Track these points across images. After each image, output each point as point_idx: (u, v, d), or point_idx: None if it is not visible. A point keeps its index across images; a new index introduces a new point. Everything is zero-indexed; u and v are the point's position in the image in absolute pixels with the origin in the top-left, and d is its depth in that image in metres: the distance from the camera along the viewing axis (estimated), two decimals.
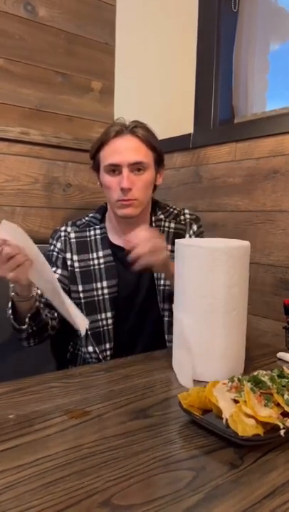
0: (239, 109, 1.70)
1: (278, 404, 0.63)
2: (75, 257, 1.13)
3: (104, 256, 1.13)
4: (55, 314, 1.10)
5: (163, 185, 1.28)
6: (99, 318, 1.11)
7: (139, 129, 1.10)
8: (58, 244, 1.16)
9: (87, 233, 1.17)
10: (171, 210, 1.24)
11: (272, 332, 1.22)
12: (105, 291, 1.11)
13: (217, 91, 1.69)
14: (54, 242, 1.18)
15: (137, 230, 0.98)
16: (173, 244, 1.15)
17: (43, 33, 1.66)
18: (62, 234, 1.17)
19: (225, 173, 1.55)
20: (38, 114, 1.68)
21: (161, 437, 0.62)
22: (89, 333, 1.11)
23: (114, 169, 1.09)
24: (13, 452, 0.57)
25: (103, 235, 1.17)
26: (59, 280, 1.10)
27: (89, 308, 1.11)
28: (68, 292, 1.13)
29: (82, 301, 1.11)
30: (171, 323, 1.13)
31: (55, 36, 1.70)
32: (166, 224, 1.19)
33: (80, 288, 1.12)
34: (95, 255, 1.14)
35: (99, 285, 1.11)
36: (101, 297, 1.11)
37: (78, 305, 1.12)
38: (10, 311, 1.02)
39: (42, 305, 1.07)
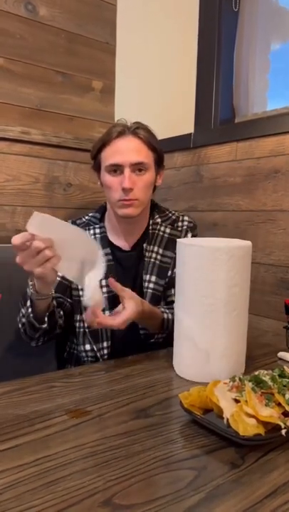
0: (240, 108, 1.70)
1: (279, 404, 0.63)
2: None
3: (103, 255, 1.13)
4: (61, 312, 1.10)
5: (163, 185, 1.28)
6: None
7: (140, 130, 1.11)
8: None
9: (87, 232, 1.17)
10: (170, 214, 1.24)
11: (273, 332, 1.22)
12: (104, 289, 1.11)
13: (218, 90, 1.69)
14: None
15: (129, 304, 0.95)
16: (165, 248, 1.17)
17: (43, 33, 1.66)
18: None
19: (226, 172, 1.55)
20: (39, 113, 1.68)
21: (162, 437, 0.62)
22: (87, 331, 1.11)
23: (116, 169, 1.09)
24: (13, 452, 0.57)
25: (102, 234, 1.18)
26: (62, 278, 1.11)
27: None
28: (70, 291, 1.13)
29: (82, 298, 1.11)
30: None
31: (56, 36, 1.70)
32: (162, 228, 1.20)
33: (80, 286, 1.12)
34: None
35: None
36: None
37: (77, 302, 1.12)
38: (30, 310, 1.01)
39: (56, 303, 1.07)
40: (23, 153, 1.62)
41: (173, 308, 0.98)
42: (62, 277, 1.11)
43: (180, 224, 1.22)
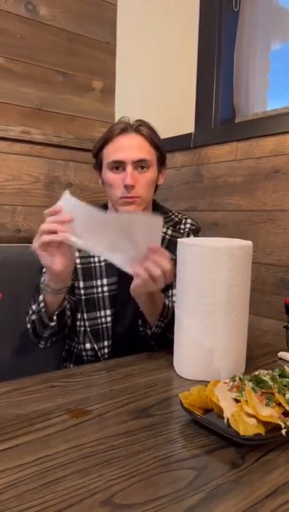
0: (240, 108, 1.70)
1: (279, 404, 0.63)
2: (77, 253, 1.13)
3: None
4: (69, 313, 1.10)
5: (164, 185, 1.27)
6: (98, 315, 1.11)
7: (143, 127, 1.11)
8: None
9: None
10: (173, 216, 1.23)
11: (273, 331, 1.22)
12: (105, 288, 1.11)
13: (218, 90, 1.69)
14: None
15: (163, 254, 0.92)
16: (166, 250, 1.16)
17: (43, 32, 1.66)
18: None
19: (226, 172, 1.55)
20: (39, 113, 1.68)
21: (163, 437, 0.62)
22: (88, 330, 1.11)
23: (118, 166, 1.09)
24: (13, 451, 0.57)
25: None
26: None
27: (89, 305, 1.11)
28: (72, 288, 1.13)
29: (83, 297, 1.11)
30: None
31: (56, 35, 1.70)
32: (164, 230, 1.19)
33: (82, 284, 1.12)
34: None
35: (99, 282, 1.12)
36: (100, 294, 1.11)
37: (79, 301, 1.12)
38: (42, 304, 1.00)
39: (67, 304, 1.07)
40: (23, 152, 1.62)
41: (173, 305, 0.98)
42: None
43: (182, 226, 1.21)
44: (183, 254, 0.85)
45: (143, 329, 1.07)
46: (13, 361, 1.29)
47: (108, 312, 1.11)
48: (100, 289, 1.12)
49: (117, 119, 1.86)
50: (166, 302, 1.06)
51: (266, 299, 1.41)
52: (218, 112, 1.69)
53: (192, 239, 1.13)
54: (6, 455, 0.56)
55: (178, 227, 1.20)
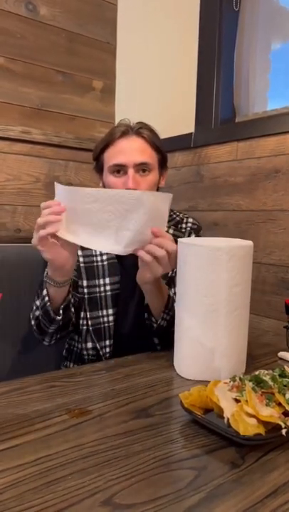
0: (240, 108, 1.70)
1: (280, 404, 0.63)
2: (80, 253, 1.13)
3: (107, 253, 1.13)
4: (73, 309, 1.10)
5: (164, 185, 1.27)
6: (100, 314, 1.11)
7: (144, 130, 1.10)
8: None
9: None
10: (174, 216, 1.23)
11: (273, 331, 1.22)
12: (108, 287, 1.11)
13: (218, 90, 1.69)
14: None
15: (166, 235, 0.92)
16: None
17: (44, 32, 1.66)
18: None
19: (226, 172, 1.55)
20: (39, 113, 1.68)
21: (163, 436, 0.62)
22: (90, 329, 1.11)
23: (120, 169, 1.08)
24: (14, 451, 0.57)
25: None
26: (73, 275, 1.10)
27: (91, 304, 1.11)
28: (76, 286, 1.12)
29: (86, 296, 1.11)
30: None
31: (57, 35, 1.70)
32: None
33: (85, 283, 1.12)
34: (98, 252, 1.14)
35: (101, 281, 1.12)
36: (103, 294, 1.11)
37: (82, 300, 1.12)
38: (46, 298, 0.98)
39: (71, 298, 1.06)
40: (23, 152, 1.62)
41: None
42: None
43: (184, 226, 1.21)
44: (183, 254, 0.85)
45: (149, 322, 1.06)
46: (13, 361, 1.29)
47: (110, 311, 1.11)
48: (102, 288, 1.12)
49: (117, 118, 1.86)
50: (171, 294, 1.06)
51: (266, 298, 1.41)
52: (219, 111, 1.69)
53: (192, 239, 1.13)
54: (6, 455, 0.56)
55: (179, 226, 1.20)
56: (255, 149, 1.45)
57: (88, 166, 1.77)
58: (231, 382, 0.68)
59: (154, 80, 1.84)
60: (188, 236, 1.20)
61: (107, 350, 1.11)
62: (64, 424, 0.65)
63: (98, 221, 0.86)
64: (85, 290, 1.12)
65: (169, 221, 1.20)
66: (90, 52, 1.80)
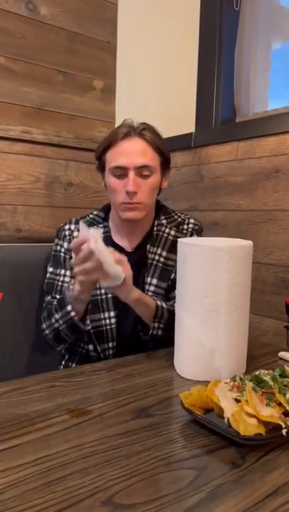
0: (241, 108, 1.70)
1: (280, 404, 0.63)
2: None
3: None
4: None
5: (167, 186, 1.26)
6: (102, 317, 1.10)
7: (146, 132, 1.09)
8: (65, 245, 1.16)
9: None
10: (176, 217, 1.22)
11: (273, 331, 1.22)
12: (104, 290, 1.11)
13: (219, 90, 1.69)
14: (61, 241, 1.17)
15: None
16: (169, 251, 1.15)
17: (44, 32, 1.66)
18: (67, 233, 1.17)
19: (226, 172, 1.55)
20: (40, 112, 1.68)
21: (163, 436, 0.62)
22: (92, 331, 1.11)
23: (121, 172, 1.07)
24: (14, 451, 0.57)
25: (106, 234, 1.16)
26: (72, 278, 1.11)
27: (92, 307, 1.10)
28: None
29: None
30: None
31: (57, 35, 1.70)
32: (167, 230, 1.18)
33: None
34: None
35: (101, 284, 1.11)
36: (104, 296, 1.11)
37: None
38: (73, 313, 1.01)
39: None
40: (24, 152, 1.62)
41: (172, 306, 0.98)
42: (70, 281, 1.12)
43: (185, 227, 1.20)
44: (183, 254, 0.85)
45: (143, 334, 1.08)
46: (13, 361, 1.29)
47: (112, 314, 1.11)
48: (103, 291, 1.11)
49: (117, 118, 1.86)
50: (158, 303, 1.06)
51: (266, 298, 1.41)
52: (219, 111, 1.69)
53: (192, 239, 1.13)
54: (6, 455, 0.56)
55: (181, 227, 1.20)
56: (256, 149, 1.45)
57: (88, 166, 1.77)
58: (232, 382, 0.68)
59: (155, 79, 1.84)
60: (190, 237, 1.20)
61: (110, 352, 1.11)
62: (64, 424, 0.65)
63: None
64: None
65: (170, 222, 1.20)
66: (90, 51, 1.80)
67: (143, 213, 1.11)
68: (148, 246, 1.16)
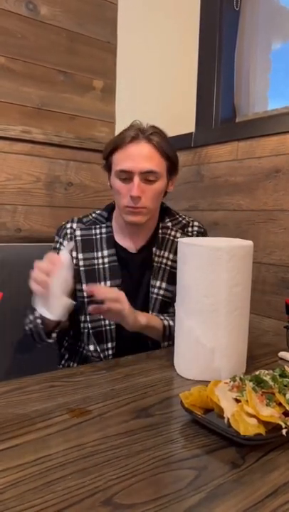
0: (241, 108, 1.70)
1: (280, 404, 0.63)
2: (80, 256, 1.12)
3: (108, 255, 1.12)
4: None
5: (173, 189, 1.25)
6: (102, 317, 1.10)
7: (154, 136, 1.07)
8: (65, 243, 1.15)
9: (93, 231, 1.15)
10: (180, 219, 1.22)
11: (273, 331, 1.22)
12: None
13: (219, 90, 1.69)
14: (60, 239, 1.17)
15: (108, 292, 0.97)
16: (176, 254, 1.14)
17: (44, 32, 1.66)
18: (68, 231, 1.16)
19: (226, 172, 1.55)
20: (40, 112, 1.68)
21: (163, 436, 0.62)
22: (91, 331, 1.11)
23: (126, 175, 1.06)
24: (14, 451, 0.57)
25: (109, 234, 1.16)
26: None
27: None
28: (73, 291, 1.11)
29: (86, 300, 1.10)
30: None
31: (57, 35, 1.70)
32: (172, 233, 1.18)
33: (84, 287, 1.10)
34: (99, 254, 1.13)
35: (102, 284, 1.10)
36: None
37: (82, 304, 1.11)
38: (39, 321, 1.00)
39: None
40: (24, 152, 1.62)
41: None
42: None
43: (190, 229, 1.20)
44: (183, 254, 0.85)
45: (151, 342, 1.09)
46: (13, 361, 1.29)
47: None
48: None
49: (117, 118, 1.86)
50: (166, 323, 1.07)
51: (267, 298, 1.41)
52: (219, 111, 1.69)
53: (193, 238, 1.13)
54: (6, 455, 0.56)
55: (186, 229, 1.20)
56: (256, 149, 1.45)
57: (88, 166, 1.77)
58: (232, 382, 0.68)
59: (155, 79, 1.84)
60: None
61: (110, 352, 1.11)
62: (64, 424, 0.65)
63: None
64: (85, 294, 1.10)
65: (175, 224, 1.19)
66: (90, 51, 1.80)
67: (146, 217, 1.10)
68: (154, 249, 1.15)
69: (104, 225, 1.17)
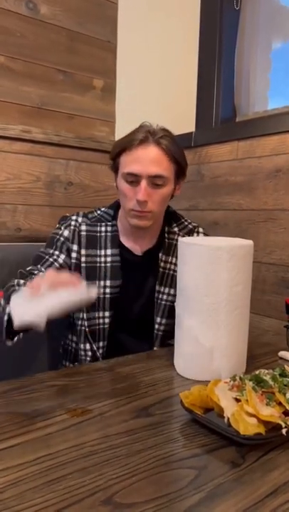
0: (241, 107, 1.70)
1: (280, 403, 0.63)
2: (83, 251, 1.11)
3: (112, 255, 1.11)
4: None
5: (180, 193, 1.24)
6: (97, 316, 1.10)
7: (164, 140, 1.05)
8: (66, 233, 1.12)
9: (98, 228, 1.14)
10: (186, 223, 1.21)
11: (273, 331, 1.22)
12: (108, 290, 1.10)
13: (219, 89, 1.69)
14: (62, 228, 1.13)
15: None
16: None
17: (44, 31, 1.66)
18: (73, 223, 1.13)
19: (227, 171, 1.55)
20: (40, 112, 1.68)
21: (163, 436, 0.62)
22: (86, 330, 1.10)
23: (133, 178, 1.04)
24: (14, 450, 0.57)
25: (114, 233, 1.14)
26: (61, 266, 1.08)
27: (90, 305, 1.09)
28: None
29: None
30: (162, 337, 1.13)
31: (57, 34, 1.70)
32: (179, 239, 1.16)
33: (84, 284, 1.10)
34: (102, 252, 1.12)
35: (102, 283, 1.10)
36: (102, 296, 1.10)
37: None
38: (6, 318, 0.88)
39: None
40: (23, 151, 1.62)
41: None
42: (61, 265, 1.08)
43: (195, 235, 1.20)
44: (184, 254, 0.85)
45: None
46: (13, 360, 1.29)
47: (107, 314, 1.10)
48: (102, 290, 1.10)
49: (117, 117, 1.86)
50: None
51: (267, 298, 1.41)
52: (219, 111, 1.69)
53: (193, 238, 1.13)
54: (6, 454, 0.56)
55: (192, 235, 1.19)
56: (256, 148, 1.45)
57: (88, 165, 1.77)
58: (232, 382, 0.68)
59: (155, 78, 1.84)
60: None
61: (100, 351, 1.11)
62: (64, 424, 0.65)
63: None
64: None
65: (182, 229, 1.19)
66: (90, 50, 1.80)
67: (151, 222, 1.09)
68: (160, 254, 1.14)
69: (109, 223, 1.15)
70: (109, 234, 1.13)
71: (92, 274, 1.10)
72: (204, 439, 0.61)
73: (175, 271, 1.13)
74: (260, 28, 1.63)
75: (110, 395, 0.75)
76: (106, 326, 1.11)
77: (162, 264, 1.14)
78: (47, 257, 1.10)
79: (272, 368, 0.74)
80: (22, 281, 1.02)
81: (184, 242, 0.85)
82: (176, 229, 1.18)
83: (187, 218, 1.24)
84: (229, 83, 1.70)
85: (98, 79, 1.84)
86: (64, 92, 1.74)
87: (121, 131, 1.79)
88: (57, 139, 1.68)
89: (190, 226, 1.21)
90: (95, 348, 1.11)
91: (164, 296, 1.13)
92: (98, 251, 1.12)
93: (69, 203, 1.74)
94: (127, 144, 1.05)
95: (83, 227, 1.13)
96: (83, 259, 1.10)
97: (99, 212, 1.18)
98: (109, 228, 1.14)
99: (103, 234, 1.13)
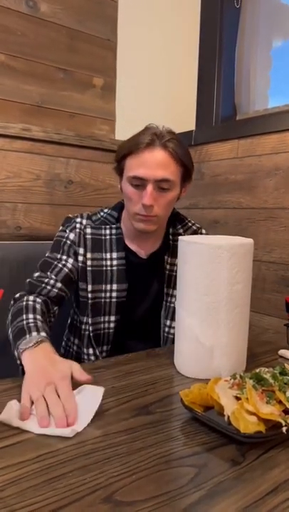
0: (241, 106, 1.70)
1: (280, 402, 0.63)
2: (89, 255, 1.09)
3: (117, 258, 1.10)
4: (56, 310, 1.07)
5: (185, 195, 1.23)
6: (102, 320, 1.09)
7: (170, 143, 1.02)
8: (72, 236, 1.10)
9: (103, 231, 1.12)
10: (190, 224, 1.20)
11: (273, 329, 1.22)
12: (114, 294, 1.09)
13: (219, 88, 1.69)
14: (67, 231, 1.12)
15: None
16: None
17: (44, 29, 1.66)
18: (78, 226, 1.11)
19: (227, 170, 1.55)
20: (40, 110, 1.67)
21: (164, 434, 0.62)
22: (91, 334, 1.09)
23: (139, 182, 1.02)
24: (15, 448, 0.57)
25: (118, 236, 1.12)
26: (70, 270, 1.07)
27: (95, 310, 1.09)
28: (76, 286, 1.10)
29: (90, 301, 1.08)
30: (171, 340, 1.12)
31: (57, 32, 1.69)
32: (180, 237, 1.16)
33: (90, 288, 1.08)
34: (108, 256, 1.10)
35: (108, 287, 1.08)
36: (108, 300, 1.09)
37: (85, 304, 1.09)
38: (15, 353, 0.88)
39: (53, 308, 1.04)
40: (24, 150, 1.62)
41: None
42: (70, 269, 1.07)
43: None
44: (184, 253, 0.85)
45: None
46: (14, 359, 1.28)
47: (112, 318, 1.09)
48: (108, 294, 1.08)
49: (117, 116, 1.85)
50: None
51: (267, 296, 1.41)
52: (219, 109, 1.69)
53: (193, 236, 1.12)
54: (7, 452, 0.56)
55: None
56: (256, 147, 1.45)
57: (89, 164, 1.77)
58: (232, 380, 0.68)
59: (155, 77, 1.83)
60: None
61: (104, 355, 1.10)
62: None
63: None
64: (89, 295, 1.08)
65: (186, 230, 1.18)
66: (90, 49, 1.79)
67: (156, 226, 1.07)
68: (166, 257, 1.13)
69: (114, 226, 1.13)
70: (114, 237, 1.11)
71: (98, 278, 1.08)
72: (204, 437, 0.61)
73: None
74: (261, 26, 1.63)
75: (110, 394, 0.75)
76: (111, 331, 1.10)
77: (168, 266, 1.13)
78: (55, 262, 1.08)
79: (272, 366, 0.74)
80: (31, 299, 1.00)
81: (184, 241, 0.85)
82: (180, 230, 1.17)
83: (191, 219, 1.23)
84: (229, 81, 1.70)
85: (98, 77, 1.83)
86: (64, 91, 1.74)
87: (121, 130, 1.79)
88: (57, 137, 1.68)
89: (194, 227, 1.20)
90: (98, 353, 1.10)
91: (173, 299, 1.12)
92: (104, 254, 1.10)
93: (69, 201, 1.74)
94: (133, 146, 1.03)
95: (88, 230, 1.11)
96: (89, 262, 1.08)
97: (102, 214, 1.15)
98: (113, 231, 1.12)
99: (108, 237, 1.11)
